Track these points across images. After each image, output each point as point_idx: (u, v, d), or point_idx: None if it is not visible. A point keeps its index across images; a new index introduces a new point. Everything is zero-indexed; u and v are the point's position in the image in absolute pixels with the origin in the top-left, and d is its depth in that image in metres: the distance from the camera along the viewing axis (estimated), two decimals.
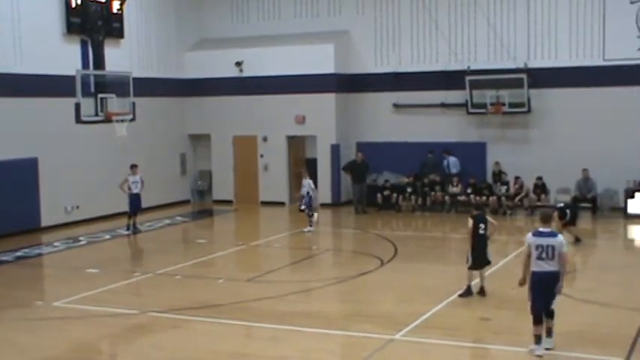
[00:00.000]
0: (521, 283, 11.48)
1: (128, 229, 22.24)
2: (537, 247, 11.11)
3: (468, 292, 14.17)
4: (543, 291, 11.19)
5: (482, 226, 14.22)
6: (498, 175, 24.90)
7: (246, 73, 27.45)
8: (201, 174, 29.00)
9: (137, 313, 13.83)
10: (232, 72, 27.58)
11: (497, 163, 25.05)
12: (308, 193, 21.76)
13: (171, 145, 27.73)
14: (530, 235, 11.33)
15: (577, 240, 19.26)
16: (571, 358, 11.22)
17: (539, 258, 11.10)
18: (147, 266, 18.18)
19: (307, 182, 21.96)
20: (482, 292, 14.23)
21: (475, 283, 14.34)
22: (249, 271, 17.51)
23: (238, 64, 27.44)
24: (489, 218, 14.77)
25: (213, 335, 12.59)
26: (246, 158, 27.83)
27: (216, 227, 25.40)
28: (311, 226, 21.79)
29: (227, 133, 28.01)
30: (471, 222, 14.24)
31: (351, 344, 12.26)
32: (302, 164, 27.74)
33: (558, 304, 13.80)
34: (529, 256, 11.19)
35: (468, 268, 14.29)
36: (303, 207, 21.92)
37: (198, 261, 18.52)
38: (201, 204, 28.23)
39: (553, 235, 11.24)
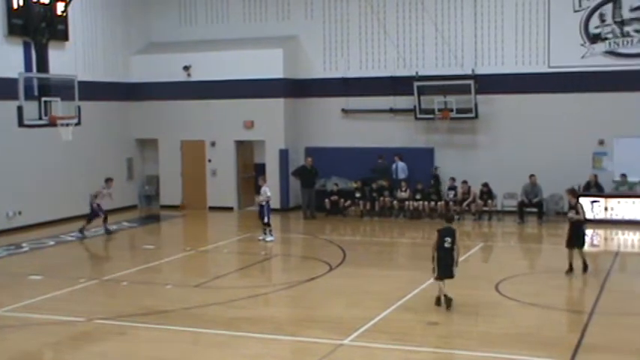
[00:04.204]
0: None
1: (81, 231, 22.09)
2: None
3: (438, 302, 13.94)
4: None
5: (447, 239, 13.82)
6: (436, 179, 25.14)
7: (194, 78, 27.23)
8: (148, 179, 28.66)
9: (82, 321, 13.57)
10: (180, 76, 27.34)
11: (436, 168, 25.37)
12: (268, 202, 21.18)
13: (117, 149, 27.36)
14: None
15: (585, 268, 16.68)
16: None
17: None
18: (92, 273, 17.87)
19: (264, 190, 21.17)
20: (438, 302, 13.95)
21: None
22: (197, 276, 17.34)
23: (186, 68, 27.23)
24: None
25: (160, 342, 12.42)
26: (194, 163, 27.61)
27: (164, 233, 25.10)
28: (271, 234, 21.24)
29: (175, 137, 27.74)
30: (436, 236, 13.97)
31: (299, 349, 12.21)
32: (252, 169, 27.68)
33: (505, 307, 14.00)
34: None
35: (434, 279, 14.08)
36: (267, 219, 21.00)
37: (146, 267, 18.28)
38: (149, 209, 27.90)
39: None
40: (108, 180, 23.01)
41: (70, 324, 13.46)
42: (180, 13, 28.53)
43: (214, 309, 14.24)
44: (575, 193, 17.50)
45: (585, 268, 16.45)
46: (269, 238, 21.08)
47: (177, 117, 27.54)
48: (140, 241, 22.65)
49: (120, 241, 22.13)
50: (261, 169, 26.74)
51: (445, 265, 13.82)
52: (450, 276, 13.92)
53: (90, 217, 22.37)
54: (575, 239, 16.57)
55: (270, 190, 21.49)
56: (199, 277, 17.24)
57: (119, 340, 12.64)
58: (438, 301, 13.93)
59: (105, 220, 22.47)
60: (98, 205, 22.39)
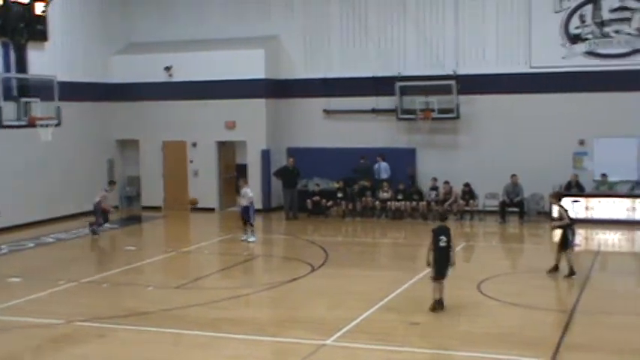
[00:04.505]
0: None
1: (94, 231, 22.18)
2: None
3: (438, 305, 13.66)
4: None
5: (442, 238, 13.64)
6: (413, 179, 25.24)
7: (176, 78, 27.10)
8: (129, 180, 28.51)
9: (62, 323, 13.45)
10: (161, 77, 27.20)
11: (410, 169, 25.41)
12: (252, 203, 21.10)
13: (98, 150, 27.14)
14: None
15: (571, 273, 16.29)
16: None
17: None
18: (73, 274, 17.65)
19: (246, 191, 21.14)
20: (435, 307, 13.67)
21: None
22: (178, 278, 17.24)
23: (167, 68, 27.10)
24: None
25: (141, 344, 12.33)
26: (176, 164, 27.48)
27: (145, 234, 24.97)
28: (254, 235, 21.17)
29: (156, 138, 27.59)
30: (431, 235, 13.81)
31: (282, 350, 12.17)
32: (233, 170, 27.60)
33: (487, 307, 14.02)
34: None
35: (432, 280, 13.87)
36: (251, 220, 20.91)
37: (127, 268, 18.16)
38: (130, 210, 27.74)
39: None
40: (111, 182, 23.26)
41: (51, 326, 13.33)
42: (160, 13, 28.36)
43: (196, 310, 14.16)
44: (557, 197, 17.46)
45: (571, 273, 16.22)
46: (251, 239, 21.00)
47: (158, 118, 27.40)
48: (121, 242, 22.51)
49: (101, 243, 21.97)
50: (242, 169, 26.69)
51: (442, 265, 13.67)
52: (443, 276, 13.72)
53: (104, 217, 22.37)
54: (564, 242, 16.50)
55: (251, 191, 21.44)
56: (181, 278, 17.14)
57: (99, 342, 12.53)
58: (434, 306, 13.59)
59: (102, 223, 22.31)
60: (105, 207, 22.31)
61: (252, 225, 21.06)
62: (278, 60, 27.06)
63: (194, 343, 12.35)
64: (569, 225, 16.56)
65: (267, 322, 13.60)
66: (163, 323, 13.29)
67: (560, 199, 17.32)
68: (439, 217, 14.67)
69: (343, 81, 26.35)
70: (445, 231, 13.79)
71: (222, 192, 27.39)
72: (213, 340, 12.37)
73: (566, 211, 16.73)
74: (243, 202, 21.14)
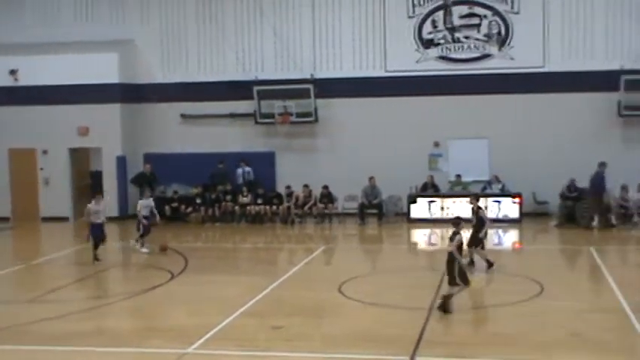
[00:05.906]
0: None
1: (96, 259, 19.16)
2: None
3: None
4: None
5: (449, 243, 13.94)
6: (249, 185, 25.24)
7: (23, 82, 25.90)
8: None
9: None
10: (6, 81, 25.93)
11: (248, 173, 25.47)
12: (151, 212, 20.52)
13: None
14: None
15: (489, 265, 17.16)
16: None
17: None
18: None
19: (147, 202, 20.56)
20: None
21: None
22: (29, 291, 16.39)
23: (13, 72, 25.86)
24: (457, 236, 13.87)
25: None
26: (25, 172, 26.24)
27: None
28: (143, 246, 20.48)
29: (2, 146, 26.25)
30: None
31: None
32: (87, 177, 26.74)
33: (348, 308, 14.12)
34: None
35: None
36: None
37: None
38: None
39: None
40: (96, 194, 20.34)
41: None
42: (5, 13, 27.02)
43: (51, 324, 13.49)
44: (477, 198, 17.89)
45: (490, 265, 16.98)
46: (144, 250, 20.36)
47: (4, 124, 26.04)
48: None
49: None
50: (97, 177, 25.87)
51: (447, 269, 13.81)
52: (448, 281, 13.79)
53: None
54: (472, 239, 17.01)
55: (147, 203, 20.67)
56: (32, 291, 16.31)
57: None
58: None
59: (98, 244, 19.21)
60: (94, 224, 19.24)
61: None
62: (134, 64, 26.42)
63: None
64: (480, 225, 17.04)
65: (127, 333, 13.15)
66: (15, 340, 12.56)
67: (478, 200, 17.81)
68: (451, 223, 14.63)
69: (201, 85, 26.04)
70: (451, 237, 13.94)
71: (75, 201, 26.38)
72: (70, 355, 11.85)
73: (483, 210, 17.54)
74: (145, 211, 20.43)
